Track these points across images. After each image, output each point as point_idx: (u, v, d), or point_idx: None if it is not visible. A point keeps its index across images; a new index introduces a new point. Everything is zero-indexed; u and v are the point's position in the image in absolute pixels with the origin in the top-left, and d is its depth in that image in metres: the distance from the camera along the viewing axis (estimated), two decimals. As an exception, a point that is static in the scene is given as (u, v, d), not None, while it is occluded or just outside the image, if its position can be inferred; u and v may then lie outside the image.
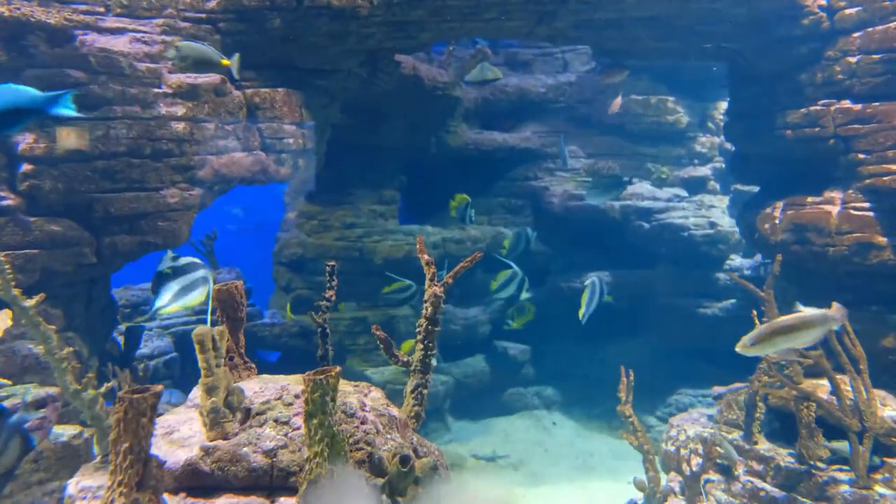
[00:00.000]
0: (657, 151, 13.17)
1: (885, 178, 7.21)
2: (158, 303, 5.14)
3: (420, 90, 11.09)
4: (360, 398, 3.82)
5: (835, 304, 5.21)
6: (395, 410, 3.96)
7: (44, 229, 6.33)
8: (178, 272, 5.19)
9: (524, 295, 9.78)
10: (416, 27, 8.16)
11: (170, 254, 5.40)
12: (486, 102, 13.24)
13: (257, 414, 3.58)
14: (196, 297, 5.19)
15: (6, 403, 5.48)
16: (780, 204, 8.40)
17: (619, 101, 12.67)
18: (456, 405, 11.60)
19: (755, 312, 6.47)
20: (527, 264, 10.63)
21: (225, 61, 6.43)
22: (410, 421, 4.19)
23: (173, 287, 5.15)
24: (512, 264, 9.73)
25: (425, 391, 4.34)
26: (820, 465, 6.17)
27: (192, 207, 7.14)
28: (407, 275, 10.37)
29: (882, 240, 7.26)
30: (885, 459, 6.05)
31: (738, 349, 5.00)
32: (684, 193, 12.66)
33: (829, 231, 7.61)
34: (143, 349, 9.20)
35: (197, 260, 5.41)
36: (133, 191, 6.74)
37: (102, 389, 4.82)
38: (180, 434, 3.61)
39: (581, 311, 9.02)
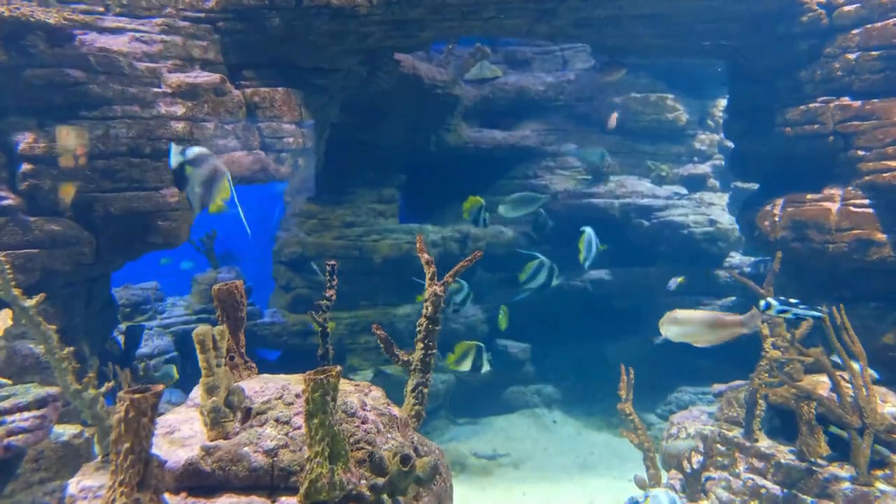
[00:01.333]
0: (657, 149, 13.18)
1: (884, 175, 7.21)
2: (196, 206, 5.05)
3: (419, 89, 11.09)
4: (361, 397, 3.82)
5: (753, 309, 5.67)
6: (395, 410, 3.96)
7: (44, 229, 6.33)
8: (193, 164, 5.09)
9: (555, 282, 9.71)
10: (416, 26, 8.16)
11: (175, 147, 5.29)
12: (485, 101, 13.23)
13: (258, 413, 3.58)
14: (223, 188, 5.10)
15: (5, 404, 5.48)
16: (779, 201, 8.40)
17: (615, 115, 12.70)
18: (456, 404, 11.61)
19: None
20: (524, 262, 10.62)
21: None
22: (411, 420, 4.19)
23: (198, 179, 5.04)
24: (538, 254, 9.69)
25: (426, 390, 4.34)
26: (821, 461, 6.18)
27: (192, 207, 7.14)
28: (409, 273, 10.35)
29: (882, 236, 7.26)
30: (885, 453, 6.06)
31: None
32: (684, 191, 12.67)
33: (828, 228, 7.61)
34: (144, 348, 9.21)
35: (203, 150, 5.31)
36: (133, 190, 6.74)
37: (103, 389, 4.82)
38: (181, 434, 3.61)
39: (581, 257, 9.10)
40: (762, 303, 6.06)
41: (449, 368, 9.17)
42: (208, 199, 5.11)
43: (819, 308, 6.19)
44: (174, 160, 5.15)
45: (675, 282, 10.50)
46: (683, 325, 5.65)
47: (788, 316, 6.05)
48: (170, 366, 9.23)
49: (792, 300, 6.21)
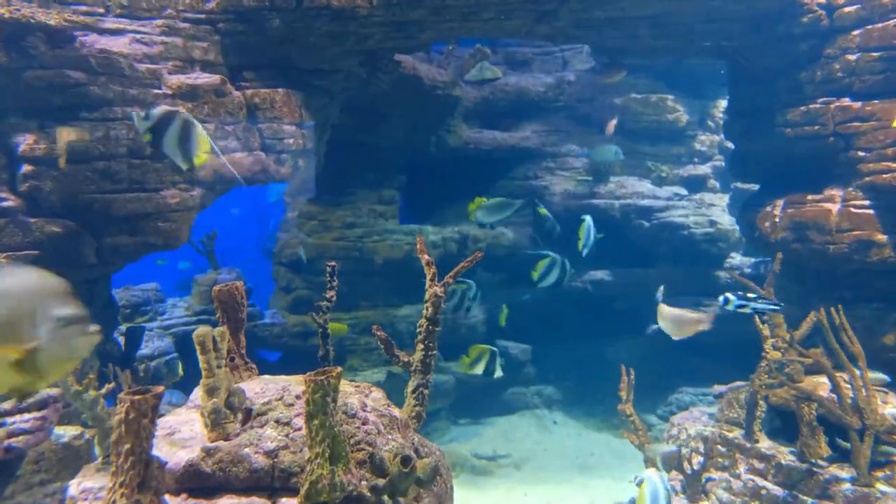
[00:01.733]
0: (657, 150, 13.17)
1: (884, 176, 7.21)
2: (182, 164, 5.04)
3: (420, 90, 11.09)
4: (362, 399, 3.82)
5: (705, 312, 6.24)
6: (396, 411, 3.96)
7: (44, 230, 6.33)
8: (162, 125, 5.04)
9: (568, 276, 9.79)
10: (416, 27, 8.16)
11: (137, 114, 5.17)
12: (485, 102, 13.23)
13: (258, 415, 3.58)
14: (202, 138, 5.09)
15: (6, 405, 5.48)
16: (780, 202, 8.40)
17: (614, 122, 12.71)
18: (457, 404, 11.60)
19: (755, 310, 6.48)
20: (528, 263, 10.63)
21: None
22: (412, 421, 4.19)
23: (173, 138, 5.00)
24: (549, 252, 9.72)
25: (426, 391, 4.34)
26: (821, 462, 6.17)
27: (193, 208, 7.14)
28: (409, 274, 10.36)
29: (882, 237, 7.26)
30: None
31: None
32: (684, 192, 12.66)
33: (829, 229, 7.61)
34: (144, 350, 9.21)
35: (166, 108, 5.23)
36: (133, 191, 6.74)
37: (103, 390, 4.83)
38: (181, 435, 3.60)
39: (580, 244, 9.22)
40: (721, 298, 6.20)
41: (462, 372, 9.19)
42: (189, 154, 5.07)
43: (779, 302, 6.29)
44: (140, 126, 5.08)
45: (660, 292, 10.67)
46: (661, 319, 6.17)
47: (747, 310, 6.17)
48: (175, 362, 9.27)
49: (750, 294, 6.31)
